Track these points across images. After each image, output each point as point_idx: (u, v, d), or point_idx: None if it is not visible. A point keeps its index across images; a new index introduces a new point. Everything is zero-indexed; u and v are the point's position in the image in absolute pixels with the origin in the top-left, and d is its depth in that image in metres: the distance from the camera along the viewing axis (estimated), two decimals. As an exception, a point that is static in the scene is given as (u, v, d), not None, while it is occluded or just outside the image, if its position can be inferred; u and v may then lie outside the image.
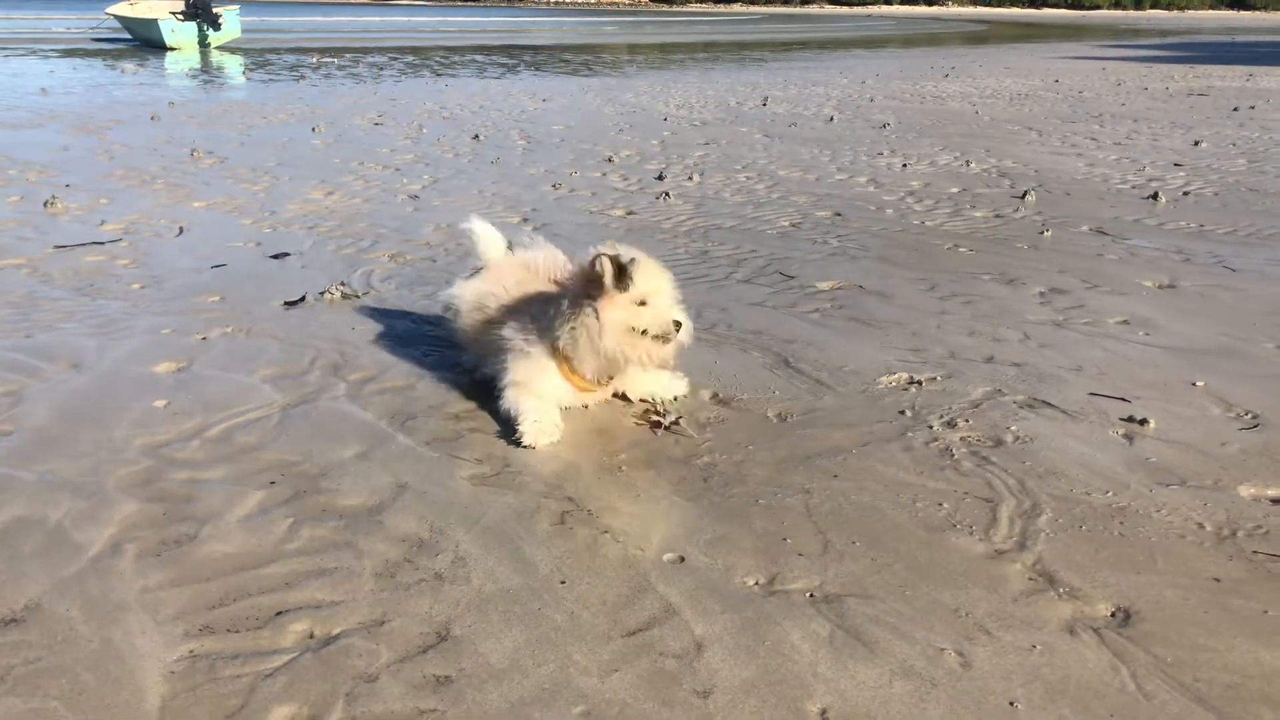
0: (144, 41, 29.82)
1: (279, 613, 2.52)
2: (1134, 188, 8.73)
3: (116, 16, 31.31)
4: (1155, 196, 8.17)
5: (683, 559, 2.79)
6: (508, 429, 3.57)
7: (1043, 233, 6.90)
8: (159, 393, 3.94)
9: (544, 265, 4.01)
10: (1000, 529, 2.96)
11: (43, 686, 2.23)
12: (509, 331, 3.69)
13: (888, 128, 12.86)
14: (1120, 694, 2.24)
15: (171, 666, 2.31)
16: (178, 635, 2.42)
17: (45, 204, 7.42)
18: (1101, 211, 7.67)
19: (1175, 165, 9.98)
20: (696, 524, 2.98)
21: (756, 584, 2.67)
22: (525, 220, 7.24)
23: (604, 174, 9.34)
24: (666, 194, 8.22)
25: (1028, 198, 8.14)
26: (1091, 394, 3.99)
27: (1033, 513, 3.05)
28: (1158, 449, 3.49)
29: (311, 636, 2.43)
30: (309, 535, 2.89)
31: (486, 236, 4.31)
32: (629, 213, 7.58)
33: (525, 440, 3.46)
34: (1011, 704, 2.21)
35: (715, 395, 3.98)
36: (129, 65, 22.42)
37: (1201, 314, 5.06)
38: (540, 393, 3.60)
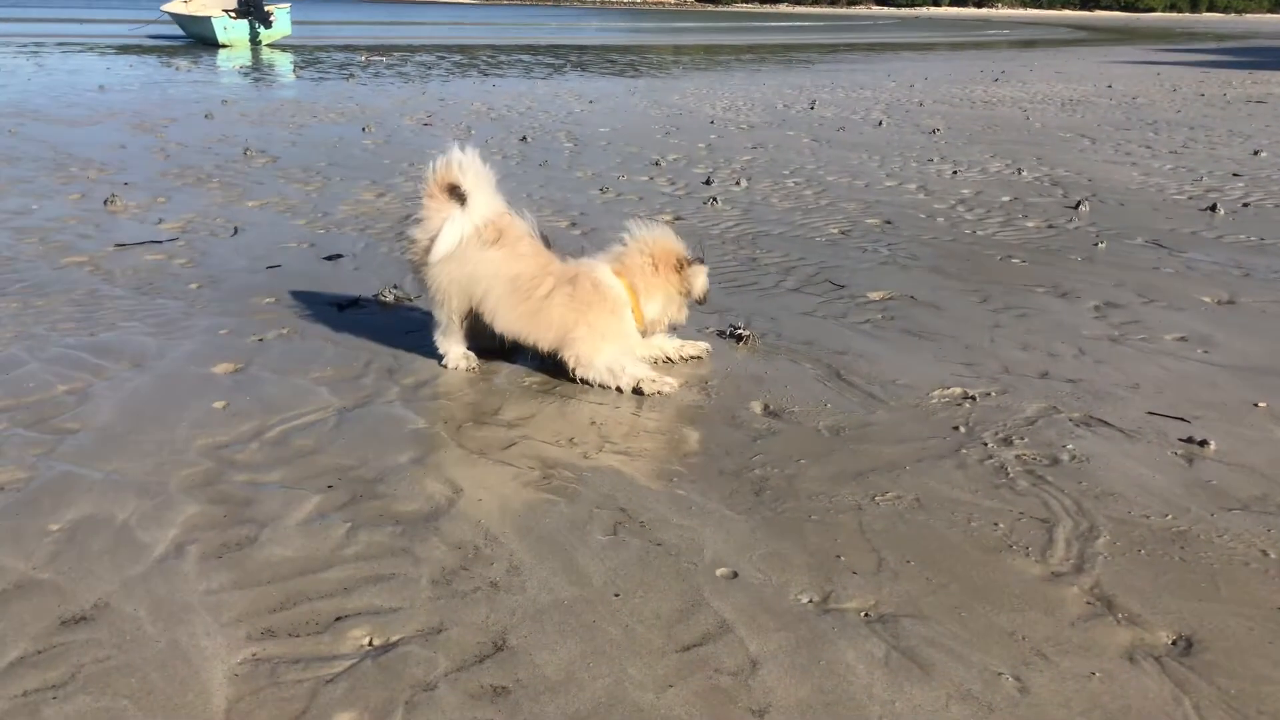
0: (197, 38, 30.39)
1: (338, 618, 2.56)
2: (1191, 198, 8.59)
3: (171, 14, 31.91)
4: (1213, 208, 8.02)
5: (736, 574, 2.79)
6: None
7: (1097, 244, 6.81)
8: (218, 393, 4.01)
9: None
10: (1057, 551, 2.93)
11: (113, 685, 2.29)
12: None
13: (937, 133, 12.75)
14: (1183, 726, 2.21)
15: (235, 669, 2.36)
16: (240, 638, 2.47)
17: (105, 202, 7.58)
18: (1157, 223, 7.55)
19: (1234, 175, 9.80)
20: (749, 538, 2.98)
21: (810, 601, 2.67)
22: (573, 224, 7.27)
23: (651, 178, 9.36)
24: (714, 199, 8.21)
25: (1081, 208, 8.03)
26: (1149, 413, 3.93)
27: (1090, 535, 3.01)
28: (1219, 471, 3.44)
29: (370, 643, 2.47)
30: (366, 540, 2.94)
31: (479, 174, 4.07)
32: (676, 218, 7.59)
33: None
34: (1071, 732, 2.19)
35: (766, 407, 3.98)
36: (183, 62, 22.83)
37: (1263, 331, 4.96)
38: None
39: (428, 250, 4.09)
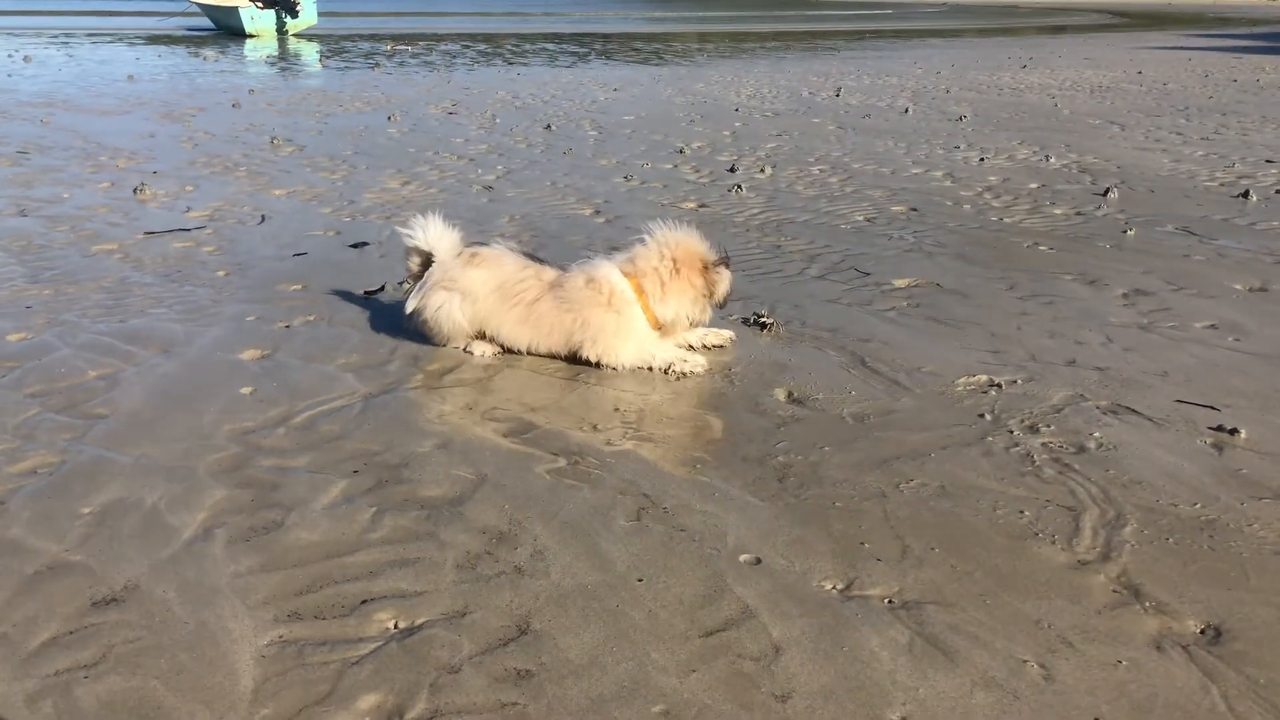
0: (225, 29, 30.57)
1: (364, 601, 2.59)
2: (1223, 185, 8.46)
3: (199, 4, 32.12)
4: (1246, 195, 7.91)
5: (759, 560, 2.79)
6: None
7: (1126, 232, 6.72)
8: (245, 379, 4.05)
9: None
10: (1083, 539, 2.91)
11: (143, 666, 2.32)
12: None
13: (964, 120, 12.63)
14: (1210, 715, 2.19)
15: (262, 650, 2.39)
16: (268, 620, 2.50)
17: (135, 190, 7.66)
18: (1188, 210, 7.45)
19: (1267, 162, 9.65)
20: (772, 525, 2.98)
21: (834, 588, 2.66)
22: (597, 212, 7.27)
23: (675, 165, 9.33)
24: (738, 187, 8.18)
25: (1110, 195, 7.93)
26: (1178, 401, 3.89)
27: (1117, 523, 2.99)
28: (1249, 460, 3.39)
29: (396, 626, 2.49)
30: (392, 525, 2.96)
31: (435, 233, 4.39)
32: (701, 205, 7.57)
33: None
34: (1096, 720, 2.18)
35: (790, 394, 3.97)
36: (210, 52, 22.97)
37: (1295, 319, 4.89)
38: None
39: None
